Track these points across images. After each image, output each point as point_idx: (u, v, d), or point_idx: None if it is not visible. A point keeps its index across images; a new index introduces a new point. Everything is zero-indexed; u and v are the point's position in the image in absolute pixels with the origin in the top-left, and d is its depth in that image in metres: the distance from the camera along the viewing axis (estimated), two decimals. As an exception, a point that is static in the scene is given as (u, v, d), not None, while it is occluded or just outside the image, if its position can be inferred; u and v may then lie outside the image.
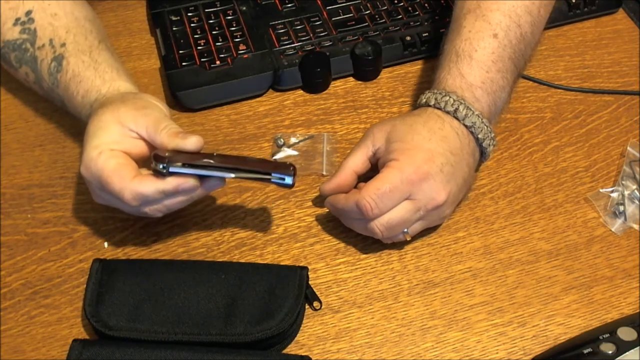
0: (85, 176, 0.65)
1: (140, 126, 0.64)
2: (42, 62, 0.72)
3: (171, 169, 0.62)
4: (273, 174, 0.64)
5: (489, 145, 0.70)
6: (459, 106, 0.67)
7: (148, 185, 0.63)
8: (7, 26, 0.73)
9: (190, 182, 0.63)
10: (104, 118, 0.65)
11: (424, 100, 0.70)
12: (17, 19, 0.73)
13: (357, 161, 0.70)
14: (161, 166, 0.62)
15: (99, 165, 0.63)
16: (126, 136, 0.65)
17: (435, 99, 0.68)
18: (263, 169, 0.64)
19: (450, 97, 0.68)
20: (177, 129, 0.64)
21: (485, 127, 0.68)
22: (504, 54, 0.70)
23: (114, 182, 0.62)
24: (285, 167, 0.64)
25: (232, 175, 0.63)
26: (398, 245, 0.71)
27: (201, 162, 0.63)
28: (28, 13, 0.73)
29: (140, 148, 0.65)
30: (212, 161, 0.63)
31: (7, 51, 0.74)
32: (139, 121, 0.65)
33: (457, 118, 0.67)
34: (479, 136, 0.68)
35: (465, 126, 0.67)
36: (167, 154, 0.63)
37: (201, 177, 0.64)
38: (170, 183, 0.63)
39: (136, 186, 0.62)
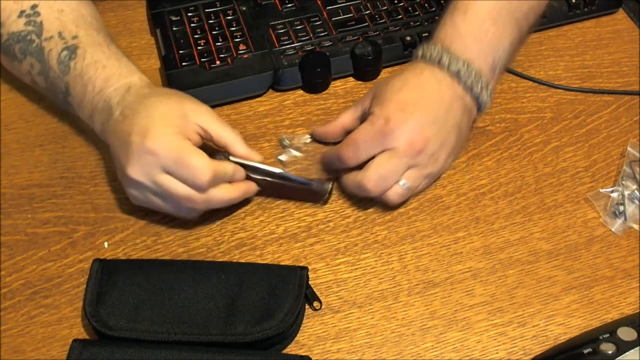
0: (152, 148, 0.65)
1: (208, 121, 0.68)
2: (51, 52, 0.72)
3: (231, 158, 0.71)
4: (313, 182, 0.73)
5: (482, 92, 0.71)
6: (442, 55, 0.70)
7: (223, 166, 0.67)
8: (11, 19, 0.74)
9: (241, 172, 0.70)
10: (171, 103, 0.68)
11: (415, 53, 0.73)
12: (22, 12, 0.74)
13: (346, 119, 0.75)
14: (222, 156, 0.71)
15: (177, 142, 0.65)
16: (189, 129, 0.67)
17: (422, 49, 0.72)
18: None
19: (435, 47, 0.70)
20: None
21: (473, 74, 0.69)
22: (502, 9, 0.72)
23: (198, 157, 0.65)
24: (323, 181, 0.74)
25: (279, 170, 0.72)
26: (398, 245, 0.71)
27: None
28: (33, 7, 0.74)
29: (196, 142, 0.68)
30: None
31: (12, 43, 0.74)
32: (209, 116, 0.69)
33: (441, 66, 0.70)
34: (467, 82, 0.70)
35: (451, 74, 0.69)
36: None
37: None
38: (231, 165, 0.69)
39: (214, 166, 0.66)
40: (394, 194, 0.70)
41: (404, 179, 0.69)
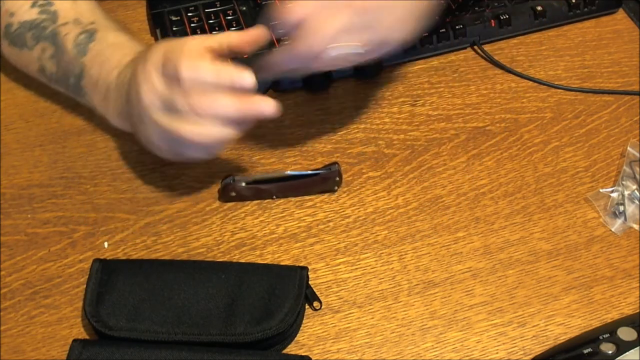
0: (148, 67, 0.62)
1: (206, 39, 0.63)
2: (67, 36, 0.73)
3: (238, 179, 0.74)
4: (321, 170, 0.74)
5: None
6: None
7: (210, 63, 0.61)
8: (23, 9, 0.74)
9: (247, 78, 0.61)
10: (164, 41, 0.65)
11: None
12: (35, 2, 0.74)
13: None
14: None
15: (168, 47, 0.62)
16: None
17: None
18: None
19: None
20: None
21: None
22: None
23: (176, 51, 0.61)
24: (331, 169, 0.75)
25: (286, 173, 0.74)
26: (398, 245, 0.71)
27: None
28: None
29: None
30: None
31: (23, 31, 0.74)
32: (206, 37, 0.64)
33: None
34: None
35: None
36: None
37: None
38: (229, 70, 0.61)
39: (196, 56, 0.61)
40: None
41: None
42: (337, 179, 0.74)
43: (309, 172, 0.74)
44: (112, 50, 0.71)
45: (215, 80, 0.61)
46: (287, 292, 0.65)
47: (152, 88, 0.62)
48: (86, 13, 0.74)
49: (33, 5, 0.74)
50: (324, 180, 0.74)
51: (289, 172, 0.74)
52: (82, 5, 0.75)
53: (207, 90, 0.61)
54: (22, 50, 0.76)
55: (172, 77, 0.61)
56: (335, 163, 0.75)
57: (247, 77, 0.61)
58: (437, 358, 0.64)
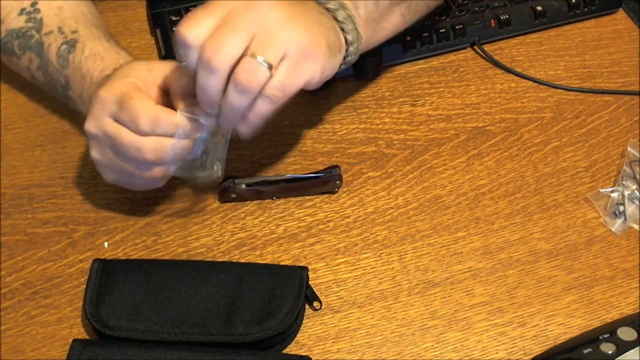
0: (102, 96, 0.62)
1: (163, 73, 0.63)
2: (50, 46, 0.73)
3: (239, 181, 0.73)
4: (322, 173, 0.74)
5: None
6: None
7: (168, 114, 0.60)
8: (11, 16, 0.74)
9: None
10: (132, 63, 0.66)
11: None
12: (22, 9, 0.74)
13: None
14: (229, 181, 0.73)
15: (126, 86, 0.62)
16: (149, 81, 0.63)
17: None
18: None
19: None
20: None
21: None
22: None
23: (138, 99, 0.60)
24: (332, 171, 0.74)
25: (287, 175, 0.75)
26: (398, 245, 0.71)
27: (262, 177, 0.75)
28: (33, 4, 0.74)
29: (157, 96, 0.64)
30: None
31: (11, 39, 0.74)
32: (169, 68, 0.63)
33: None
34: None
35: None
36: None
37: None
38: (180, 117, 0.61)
39: (158, 111, 0.61)
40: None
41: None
42: (338, 182, 0.74)
43: (310, 175, 0.74)
44: (91, 63, 0.71)
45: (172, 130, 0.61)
46: (287, 292, 0.65)
47: (98, 124, 0.63)
48: (70, 20, 0.74)
49: (20, 13, 0.74)
50: (325, 183, 0.74)
51: (289, 175, 0.74)
52: (68, 11, 0.75)
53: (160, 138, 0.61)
54: (12, 59, 0.76)
55: (127, 123, 0.61)
56: (336, 166, 0.75)
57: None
58: (437, 358, 0.64)
